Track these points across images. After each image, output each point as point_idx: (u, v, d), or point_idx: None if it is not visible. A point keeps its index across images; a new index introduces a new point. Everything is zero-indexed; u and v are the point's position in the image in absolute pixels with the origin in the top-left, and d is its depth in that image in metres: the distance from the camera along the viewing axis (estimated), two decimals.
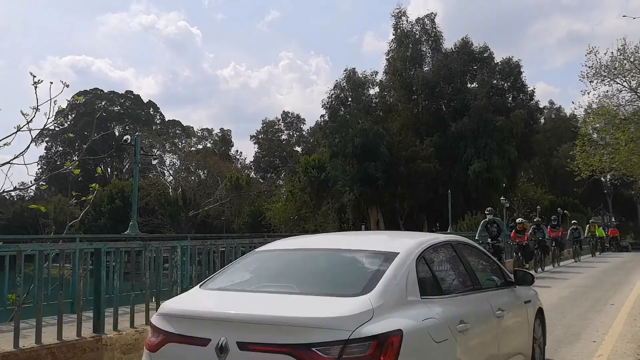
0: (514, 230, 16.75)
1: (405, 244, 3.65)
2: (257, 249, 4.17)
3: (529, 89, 45.84)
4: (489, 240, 13.18)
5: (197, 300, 3.33)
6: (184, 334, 2.92)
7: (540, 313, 5.28)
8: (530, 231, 17.47)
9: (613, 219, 58.79)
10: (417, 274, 3.27)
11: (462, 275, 4.01)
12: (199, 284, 3.68)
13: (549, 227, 19.59)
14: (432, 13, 46.30)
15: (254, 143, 75.00)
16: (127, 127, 73.12)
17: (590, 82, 25.14)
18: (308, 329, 2.66)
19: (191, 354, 2.87)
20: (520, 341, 4.56)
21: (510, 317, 4.36)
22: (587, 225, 27.07)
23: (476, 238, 13.24)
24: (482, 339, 3.73)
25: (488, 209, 14.17)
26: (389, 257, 3.31)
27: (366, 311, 2.77)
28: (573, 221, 24.48)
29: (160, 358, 3.02)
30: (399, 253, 3.36)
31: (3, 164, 6.61)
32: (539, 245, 17.04)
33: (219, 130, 78.90)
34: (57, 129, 59.65)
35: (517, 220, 17.35)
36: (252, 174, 67.87)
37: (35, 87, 6.35)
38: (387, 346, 2.66)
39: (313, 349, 2.60)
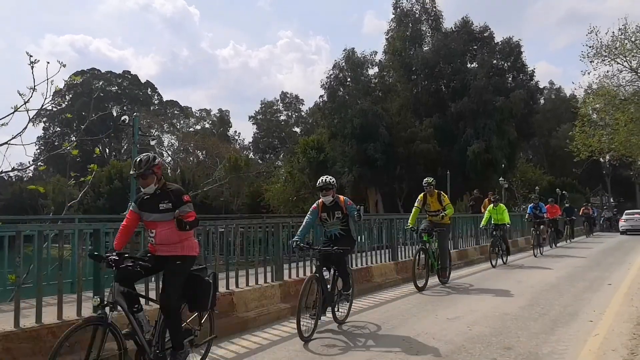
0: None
1: None
2: (627, 211, 32.27)
3: (529, 69, 45.42)
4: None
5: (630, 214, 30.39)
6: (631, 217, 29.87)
7: None
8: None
9: (611, 200, 59.00)
10: None
11: None
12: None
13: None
14: None
15: (253, 124, 74.80)
16: (124, 108, 72.71)
17: (590, 62, 25.05)
18: None
19: (634, 220, 28.81)
20: None
21: None
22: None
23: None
24: None
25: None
26: None
27: None
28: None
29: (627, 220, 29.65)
30: None
31: (1, 145, 6.57)
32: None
33: (217, 111, 78.51)
34: (54, 109, 59.33)
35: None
36: (251, 155, 67.75)
37: (32, 67, 6.25)
38: None
39: None
